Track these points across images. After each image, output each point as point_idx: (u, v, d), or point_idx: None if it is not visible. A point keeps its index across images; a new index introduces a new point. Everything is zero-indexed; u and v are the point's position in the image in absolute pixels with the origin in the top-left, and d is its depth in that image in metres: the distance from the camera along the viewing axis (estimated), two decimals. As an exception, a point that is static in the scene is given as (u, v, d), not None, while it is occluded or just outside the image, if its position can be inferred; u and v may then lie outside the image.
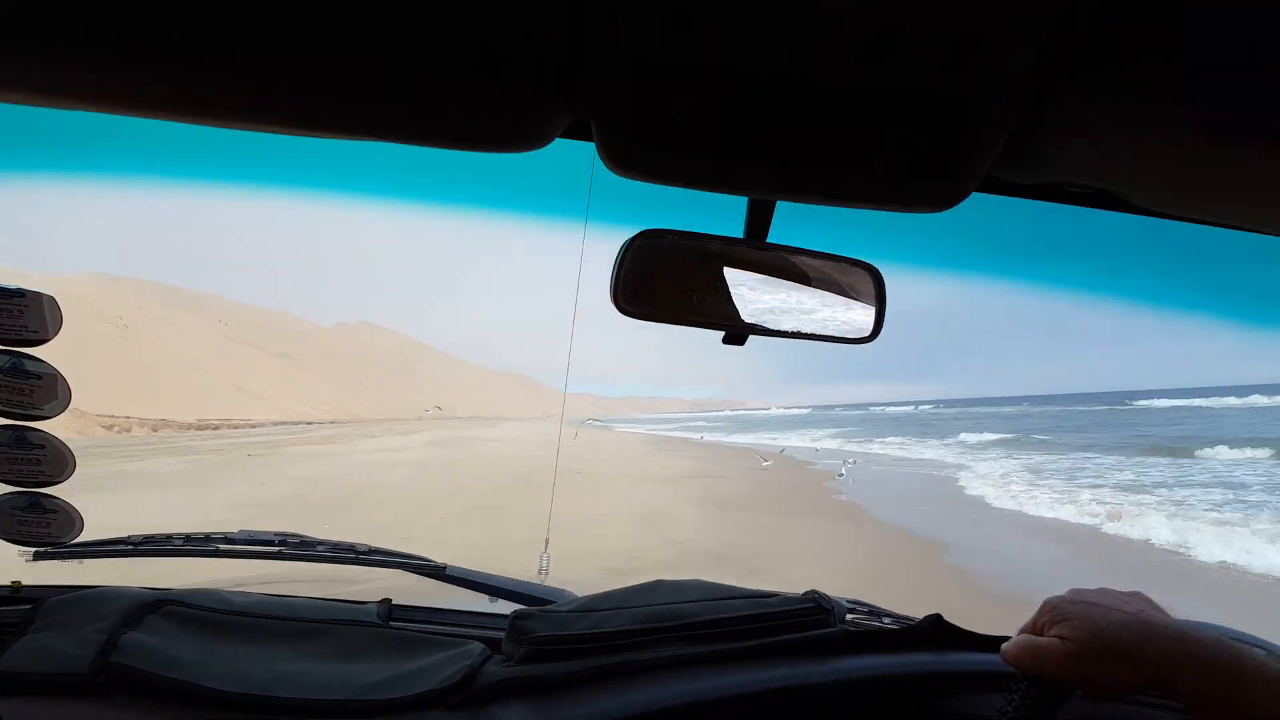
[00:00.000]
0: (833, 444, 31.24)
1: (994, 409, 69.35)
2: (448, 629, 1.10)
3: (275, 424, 40.47)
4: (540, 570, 1.92)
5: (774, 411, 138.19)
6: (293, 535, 1.28)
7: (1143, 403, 57.09)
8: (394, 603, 1.13)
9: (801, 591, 1.10)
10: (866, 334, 0.90)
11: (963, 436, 30.42)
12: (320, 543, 1.28)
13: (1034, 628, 0.68)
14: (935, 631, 1.01)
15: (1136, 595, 0.70)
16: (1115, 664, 0.61)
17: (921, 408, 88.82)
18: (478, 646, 0.98)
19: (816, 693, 0.92)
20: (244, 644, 0.97)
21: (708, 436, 43.25)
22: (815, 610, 1.05)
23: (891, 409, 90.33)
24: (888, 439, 32.61)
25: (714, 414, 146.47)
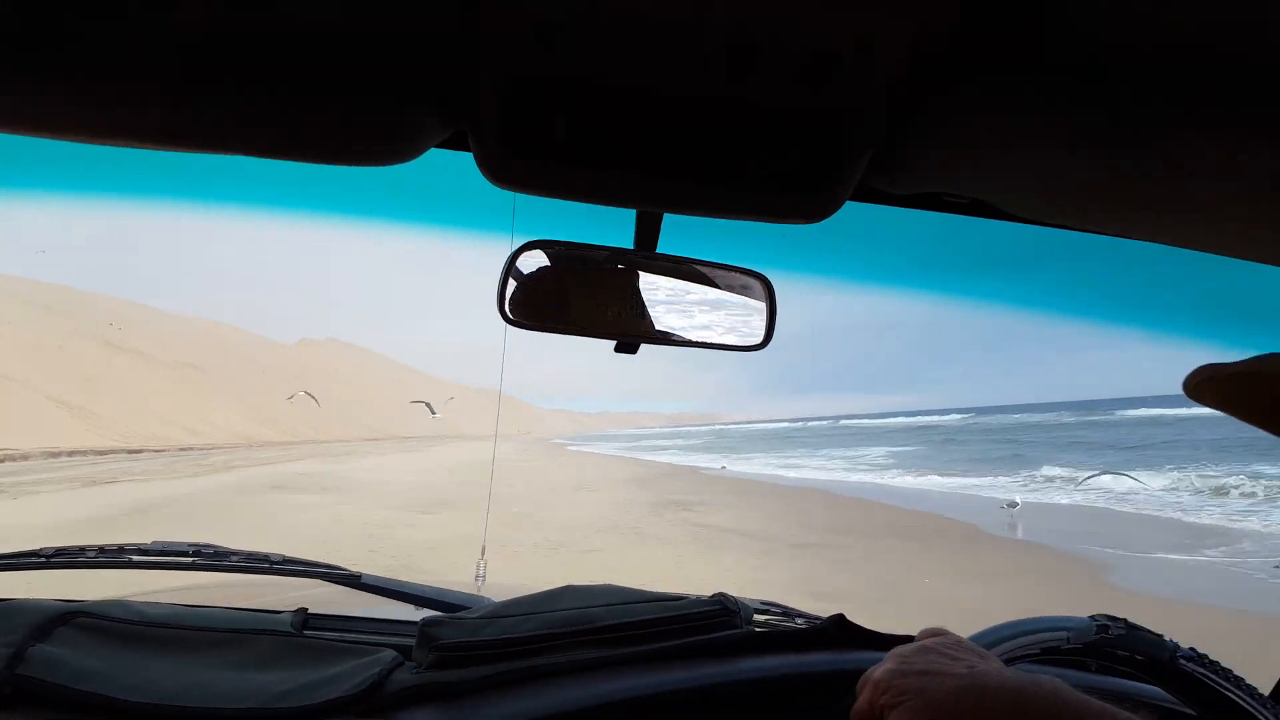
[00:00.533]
0: (916, 478, 17.46)
1: (1007, 418, 56.78)
2: (362, 637, 1.08)
3: (68, 454, 25.29)
4: (477, 578, 1.76)
5: (757, 425, 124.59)
6: (206, 545, 1.23)
7: (1131, 412, 45.85)
8: (310, 612, 1.10)
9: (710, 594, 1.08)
10: (757, 341, 0.89)
11: (1107, 478, 16.70)
12: (235, 553, 1.23)
13: (870, 708, 0.64)
14: (839, 631, 1.00)
15: (958, 644, 0.67)
16: None
17: (891, 419, 75.21)
18: (389, 654, 0.96)
19: (719, 694, 0.92)
20: (155, 655, 0.95)
21: (707, 461, 29.12)
22: (721, 612, 1.04)
23: (884, 421, 76.71)
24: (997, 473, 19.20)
25: (697, 428, 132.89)
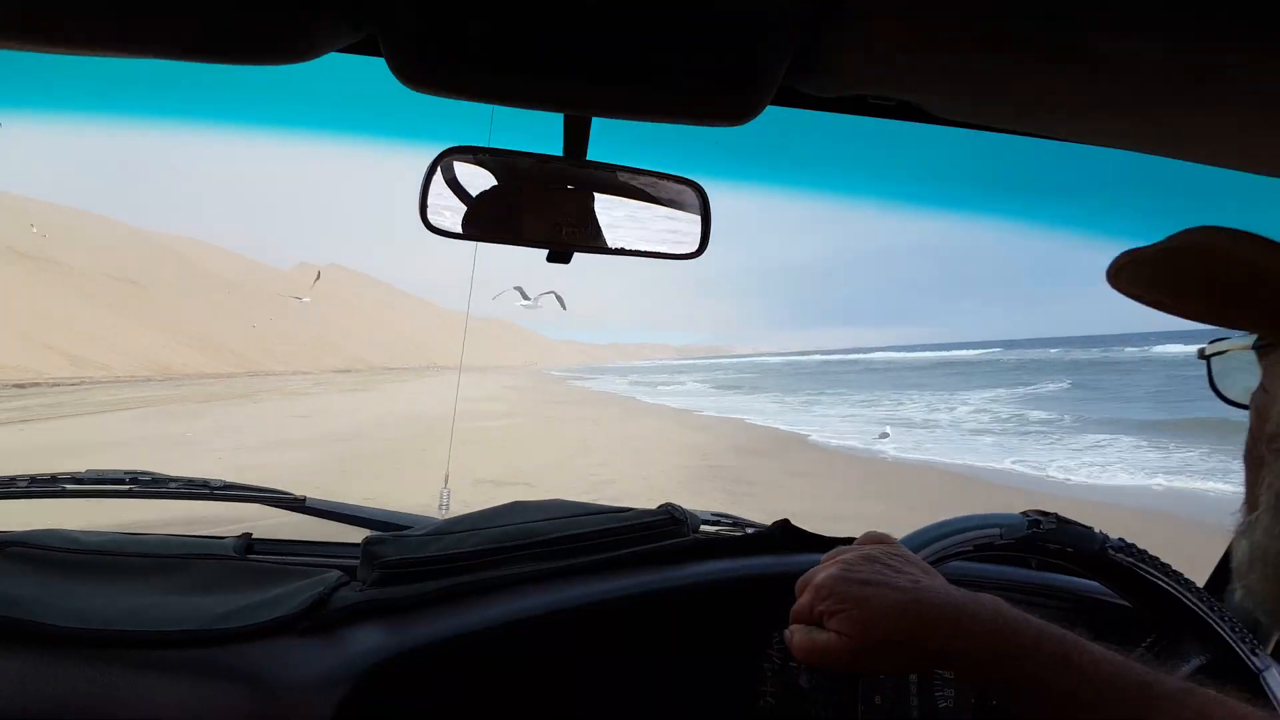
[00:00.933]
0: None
1: (1043, 353, 51.92)
2: (308, 560, 1.07)
3: None
4: (441, 506, 1.74)
5: (772, 359, 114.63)
6: (143, 472, 1.20)
7: (1173, 347, 39.76)
8: (254, 537, 1.10)
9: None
10: (693, 249, 0.89)
11: None
12: (173, 479, 1.21)
13: (810, 613, 0.64)
14: (784, 535, 1.02)
15: (902, 555, 0.68)
16: (894, 652, 0.60)
17: (916, 354, 67.60)
18: (334, 574, 0.95)
19: (664, 597, 0.93)
20: (91, 581, 0.93)
21: (766, 407, 19.70)
22: (668, 521, 1.05)
23: (912, 355, 71.40)
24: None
25: (709, 361, 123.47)
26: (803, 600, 0.64)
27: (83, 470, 1.17)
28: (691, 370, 65.04)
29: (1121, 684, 0.53)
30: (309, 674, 0.81)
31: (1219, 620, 0.82)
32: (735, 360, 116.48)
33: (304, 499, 1.22)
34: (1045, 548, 0.83)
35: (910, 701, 0.90)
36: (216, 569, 0.98)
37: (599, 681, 0.91)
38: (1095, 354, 46.48)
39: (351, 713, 0.79)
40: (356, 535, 1.09)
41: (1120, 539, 0.85)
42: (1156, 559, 0.85)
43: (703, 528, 1.11)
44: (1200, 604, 0.83)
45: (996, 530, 0.82)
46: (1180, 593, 0.83)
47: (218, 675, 0.81)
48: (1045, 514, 0.84)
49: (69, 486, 1.14)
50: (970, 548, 0.81)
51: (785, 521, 1.03)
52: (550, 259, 0.84)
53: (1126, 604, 0.89)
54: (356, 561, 1.00)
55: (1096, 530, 0.84)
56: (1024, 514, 0.84)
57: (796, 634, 0.64)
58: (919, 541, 0.79)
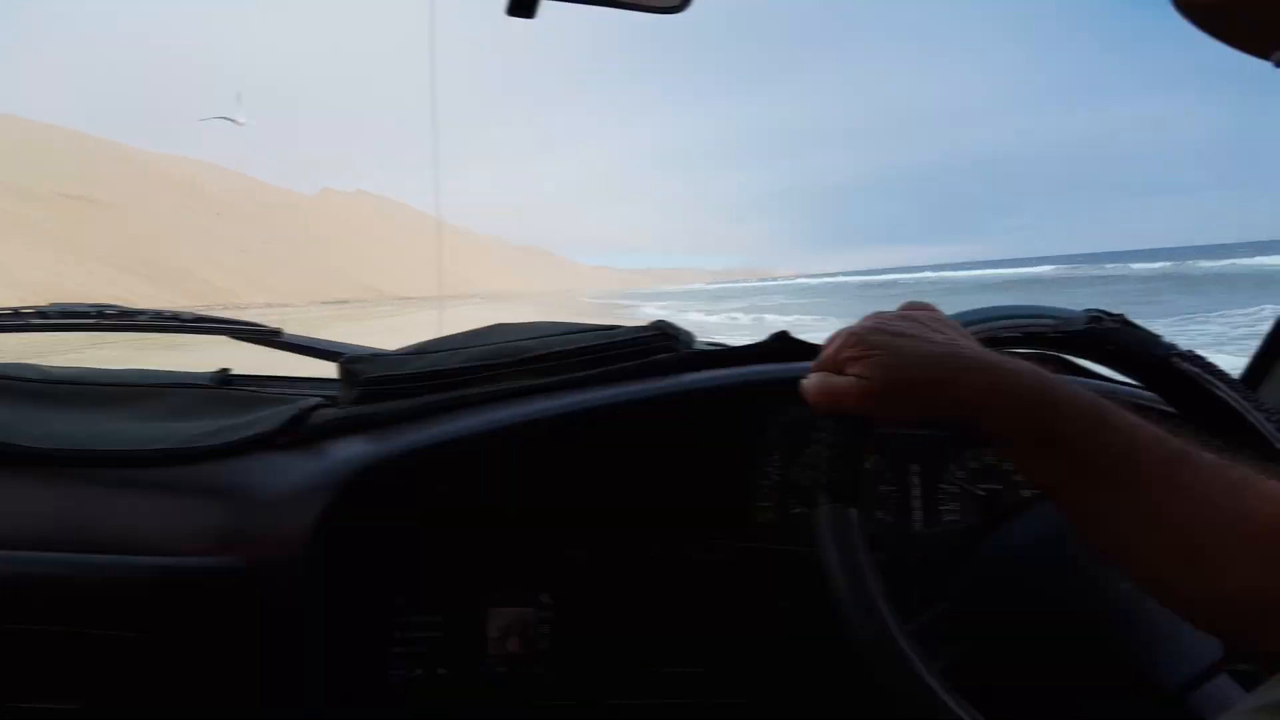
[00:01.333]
0: None
1: (1123, 267, 44.38)
2: (286, 391, 1.05)
3: None
4: None
5: (820, 280, 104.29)
6: (110, 305, 1.14)
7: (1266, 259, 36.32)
8: (232, 372, 1.08)
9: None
10: (676, 1, 0.79)
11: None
12: (141, 312, 1.15)
13: (833, 362, 0.61)
14: (783, 346, 0.97)
15: (942, 321, 0.64)
16: (920, 399, 0.58)
17: (983, 271, 63.43)
18: (315, 399, 0.94)
19: (656, 404, 0.90)
20: (62, 409, 0.92)
21: None
22: (660, 337, 1.01)
23: (981, 274, 63.84)
24: None
25: (754, 284, 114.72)
26: (829, 348, 0.61)
27: (47, 304, 1.12)
28: (740, 295, 58.34)
29: (1157, 447, 0.52)
30: (289, 485, 0.81)
31: None
32: (780, 283, 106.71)
33: (279, 330, 1.18)
34: (1102, 348, 0.75)
35: (914, 516, 0.90)
36: (193, 397, 0.96)
37: (585, 490, 0.88)
38: (1181, 266, 40.09)
39: (335, 521, 0.78)
40: (336, 372, 1.03)
41: (1190, 350, 0.75)
42: (1226, 374, 0.75)
43: (695, 345, 1.05)
44: (1269, 425, 0.73)
45: (1052, 321, 0.74)
46: (1248, 411, 0.73)
47: (195, 491, 0.81)
48: (1110, 314, 0.76)
49: (34, 321, 1.09)
50: (1019, 334, 0.73)
51: (784, 332, 0.97)
52: (512, 11, 0.71)
53: (1172, 410, 0.78)
54: (337, 393, 0.97)
55: (1163, 338, 0.76)
56: (1087, 310, 0.76)
57: (813, 378, 0.61)
58: (966, 319, 0.71)
